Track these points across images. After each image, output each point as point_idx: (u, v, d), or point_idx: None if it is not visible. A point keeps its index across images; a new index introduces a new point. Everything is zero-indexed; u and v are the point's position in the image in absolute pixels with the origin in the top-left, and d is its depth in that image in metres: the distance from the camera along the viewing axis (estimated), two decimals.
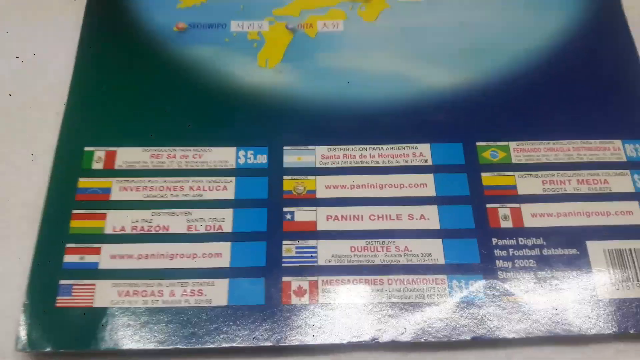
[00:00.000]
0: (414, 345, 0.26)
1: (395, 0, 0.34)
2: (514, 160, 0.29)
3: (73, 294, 0.26)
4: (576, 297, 0.26)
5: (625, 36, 0.32)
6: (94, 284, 0.26)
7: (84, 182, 0.28)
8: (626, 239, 0.27)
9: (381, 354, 0.26)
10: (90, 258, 0.27)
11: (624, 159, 0.29)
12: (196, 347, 0.25)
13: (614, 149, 0.29)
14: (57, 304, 0.26)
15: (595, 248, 0.27)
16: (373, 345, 0.26)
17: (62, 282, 0.26)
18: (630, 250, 0.27)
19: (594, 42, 0.32)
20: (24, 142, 0.31)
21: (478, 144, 0.29)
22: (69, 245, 0.27)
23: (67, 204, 0.28)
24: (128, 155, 0.29)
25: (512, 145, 0.29)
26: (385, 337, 0.25)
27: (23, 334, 0.25)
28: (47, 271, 0.26)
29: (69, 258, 0.27)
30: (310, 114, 0.30)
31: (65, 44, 0.34)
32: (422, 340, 0.25)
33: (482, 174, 0.29)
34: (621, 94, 0.31)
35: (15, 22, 0.35)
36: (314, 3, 0.34)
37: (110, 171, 0.29)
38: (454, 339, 0.25)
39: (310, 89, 0.31)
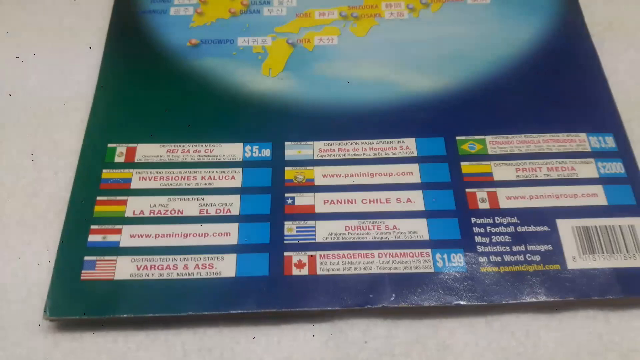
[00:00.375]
0: (402, 312, 0.29)
1: (382, 18, 0.38)
2: (490, 152, 0.32)
3: (96, 268, 0.29)
4: (548, 268, 0.29)
5: (587, 43, 0.37)
6: (115, 260, 0.29)
7: (107, 174, 0.32)
8: (592, 217, 0.30)
9: (373, 321, 0.29)
10: (112, 237, 0.30)
11: (589, 150, 0.33)
12: (207, 313, 0.28)
13: (579, 140, 0.33)
14: (82, 277, 0.29)
15: (565, 225, 0.30)
16: (365, 311, 0.28)
17: (87, 258, 0.29)
18: (595, 227, 0.30)
19: (560, 49, 0.36)
20: (52, 143, 0.35)
21: (457, 138, 0.33)
22: (93, 226, 0.30)
23: (92, 192, 0.31)
24: (147, 150, 0.33)
25: (488, 138, 0.33)
26: (376, 303, 0.28)
27: (52, 303, 0.28)
28: (74, 249, 0.29)
29: (93, 238, 0.30)
30: (308, 114, 0.34)
31: (90, 59, 0.38)
32: (408, 305, 0.28)
33: (462, 163, 0.32)
34: (585, 94, 0.34)
35: (47, 41, 0.39)
36: (311, 21, 0.38)
37: (130, 164, 0.32)
38: (437, 305, 0.28)
39: (308, 93, 0.35)
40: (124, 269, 0.29)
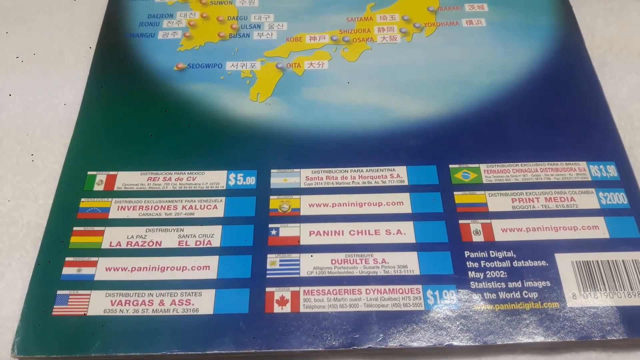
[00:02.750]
0: (390, 353, 0.27)
1: (375, 42, 0.37)
2: (485, 181, 0.31)
3: (69, 303, 0.28)
4: (546, 307, 0.27)
5: (587, 67, 0.35)
6: (89, 294, 0.28)
7: (85, 203, 0.31)
8: (593, 252, 0.29)
9: None
10: (87, 270, 0.28)
11: (589, 179, 0.31)
12: (182, 353, 0.26)
13: (579, 169, 0.31)
14: (54, 313, 0.27)
15: (564, 260, 0.28)
16: (351, 352, 0.27)
17: (60, 292, 0.28)
18: (597, 261, 0.28)
19: (559, 73, 0.35)
20: (33, 170, 0.34)
21: (451, 166, 0.31)
22: (68, 258, 0.29)
23: (69, 222, 0.30)
24: (127, 178, 0.31)
25: (483, 167, 0.31)
26: (362, 344, 0.26)
27: (20, 340, 0.26)
28: (46, 282, 0.28)
29: (67, 270, 0.28)
30: (296, 140, 0.33)
31: (76, 83, 0.37)
32: (398, 346, 0.26)
33: (455, 193, 0.31)
34: (585, 120, 0.33)
35: (33, 63, 0.39)
36: (301, 46, 0.37)
37: (109, 192, 0.31)
38: (428, 345, 0.26)
39: (297, 119, 0.34)
40: (98, 304, 0.27)
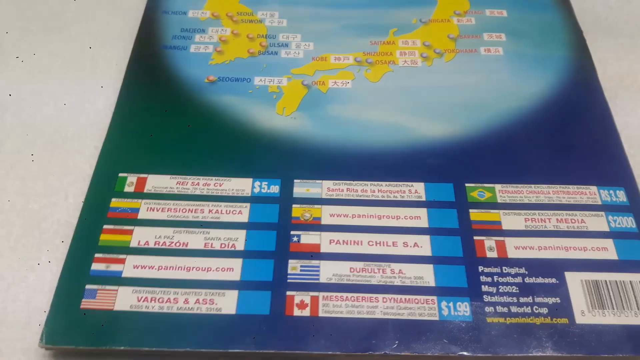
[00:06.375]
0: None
1: (396, 65, 0.39)
2: (499, 200, 0.32)
3: (97, 297, 0.29)
4: (556, 322, 0.28)
5: (599, 97, 0.37)
6: (116, 290, 0.29)
7: (115, 202, 0.32)
8: (602, 272, 0.30)
9: None
10: (115, 267, 0.30)
11: (599, 203, 0.32)
12: (204, 350, 0.27)
13: (590, 193, 0.33)
14: (82, 306, 0.28)
15: (574, 278, 0.29)
16: (367, 357, 0.27)
17: (88, 286, 0.29)
18: (605, 281, 0.29)
19: (572, 103, 0.37)
20: (66, 168, 0.35)
21: (467, 185, 0.33)
22: (97, 255, 0.30)
23: (99, 220, 0.31)
24: (157, 182, 0.33)
25: (498, 187, 0.33)
26: (378, 350, 0.27)
27: (49, 331, 0.28)
28: (76, 276, 0.29)
29: (96, 266, 0.30)
30: (319, 153, 0.34)
31: (109, 89, 0.39)
32: (412, 353, 0.27)
33: (470, 210, 0.32)
34: (597, 147, 0.34)
35: (69, 69, 0.41)
36: (327, 65, 0.39)
37: (139, 194, 0.32)
38: (441, 354, 0.27)
39: (320, 133, 0.35)
40: (125, 299, 0.29)
